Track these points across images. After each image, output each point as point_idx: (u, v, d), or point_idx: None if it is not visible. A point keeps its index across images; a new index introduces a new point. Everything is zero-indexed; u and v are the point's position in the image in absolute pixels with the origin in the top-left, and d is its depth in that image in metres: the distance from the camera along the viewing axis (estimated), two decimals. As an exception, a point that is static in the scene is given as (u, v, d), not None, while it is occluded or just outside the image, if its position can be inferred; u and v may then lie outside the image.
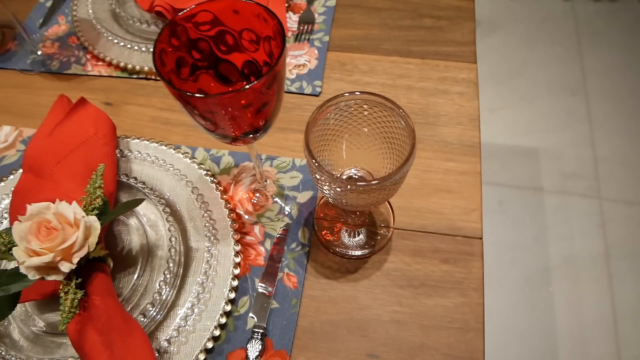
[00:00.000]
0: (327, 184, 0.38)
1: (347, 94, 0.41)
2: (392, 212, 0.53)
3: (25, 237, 0.40)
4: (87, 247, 0.41)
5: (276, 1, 0.66)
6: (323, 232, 0.53)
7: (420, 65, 0.65)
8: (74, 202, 0.43)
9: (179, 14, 0.37)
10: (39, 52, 0.68)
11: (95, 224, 0.42)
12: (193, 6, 0.37)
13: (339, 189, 0.38)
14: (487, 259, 1.27)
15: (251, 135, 0.42)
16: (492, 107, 1.58)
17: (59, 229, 0.40)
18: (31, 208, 0.42)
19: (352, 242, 0.52)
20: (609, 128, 1.53)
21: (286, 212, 0.54)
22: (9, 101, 0.65)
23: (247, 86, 0.33)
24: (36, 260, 0.39)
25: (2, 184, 0.55)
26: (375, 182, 0.37)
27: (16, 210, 0.49)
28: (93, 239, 0.42)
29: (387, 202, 0.54)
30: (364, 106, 0.42)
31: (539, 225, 1.34)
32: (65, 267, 0.40)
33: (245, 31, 0.40)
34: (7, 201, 0.53)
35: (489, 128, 1.54)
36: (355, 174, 0.47)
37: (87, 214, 0.44)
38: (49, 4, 0.74)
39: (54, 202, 0.47)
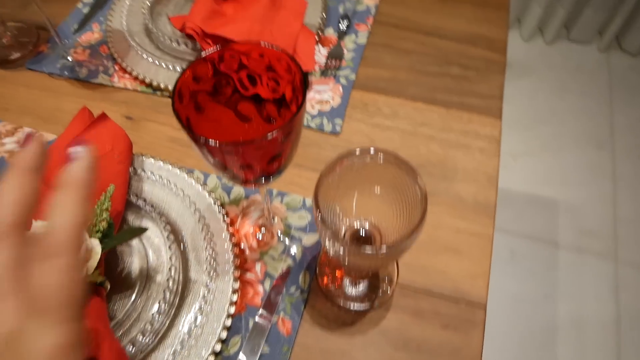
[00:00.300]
0: (331, 241, 0.37)
1: (362, 150, 0.40)
2: (397, 268, 0.52)
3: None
4: (84, 271, 0.41)
5: (306, 35, 0.66)
6: (324, 279, 0.52)
7: (443, 115, 0.64)
8: (78, 223, 0.42)
9: (204, 53, 0.37)
10: (70, 58, 0.69)
11: (97, 248, 0.42)
12: (218, 47, 0.37)
13: (341, 250, 0.37)
14: (491, 308, 1.24)
15: (263, 180, 0.41)
16: (515, 152, 1.56)
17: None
18: (36, 224, 0.42)
19: (353, 293, 0.51)
20: (634, 187, 1.50)
21: (291, 253, 0.53)
22: (34, 103, 0.65)
23: (263, 137, 0.33)
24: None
25: (14, 187, 0.55)
26: (381, 250, 0.36)
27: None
28: (92, 263, 0.42)
29: (393, 255, 0.53)
30: (379, 163, 0.41)
31: (550, 281, 1.31)
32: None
33: (270, 73, 0.39)
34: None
35: (509, 173, 1.51)
36: (363, 229, 0.46)
37: (90, 236, 0.44)
38: (86, 10, 0.75)
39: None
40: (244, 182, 0.41)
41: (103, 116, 0.55)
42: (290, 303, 0.50)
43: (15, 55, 0.70)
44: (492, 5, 0.76)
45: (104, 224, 0.44)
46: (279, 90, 0.40)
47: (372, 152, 0.40)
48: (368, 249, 0.35)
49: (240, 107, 0.42)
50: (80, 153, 0.21)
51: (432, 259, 0.53)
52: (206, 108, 0.39)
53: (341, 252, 0.37)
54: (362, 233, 0.46)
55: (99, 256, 0.42)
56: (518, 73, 1.77)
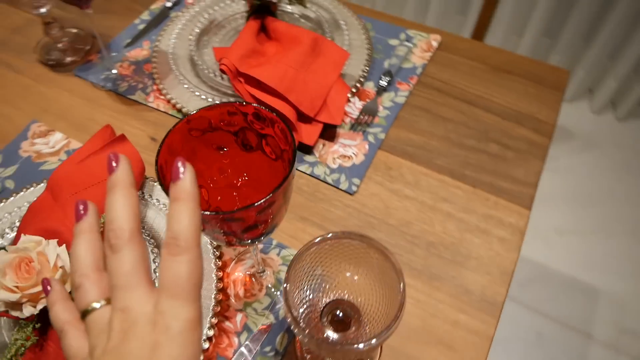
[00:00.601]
0: (302, 334, 0.35)
1: (344, 234, 0.38)
2: (380, 352, 0.49)
3: (3, 270, 0.40)
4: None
5: (340, 88, 0.64)
6: (300, 346, 0.49)
7: (468, 194, 0.60)
8: (63, 245, 0.43)
9: (193, 113, 0.36)
10: (114, 71, 0.71)
11: (73, 275, 0.42)
12: (197, 111, 0.36)
13: (312, 344, 0.35)
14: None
15: (249, 242, 0.40)
16: (562, 229, 1.47)
17: (36, 271, 0.40)
18: (24, 239, 0.43)
19: (327, 368, 0.48)
20: (688, 292, 1.36)
21: (276, 309, 0.51)
22: (71, 110, 0.68)
23: (238, 210, 0.31)
24: (2, 295, 0.39)
25: (31, 189, 0.57)
26: (355, 346, 0.33)
27: (24, 225, 0.50)
28: (67, 287, 0.42)
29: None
30: (361, 249, 0.39)
31: (573, 378, 1.20)
32: (27, 310, 0.40)
33: (269, 139, 0.38)
34: (24, 209, 0.55)
35: (551, 249, 1.42)
36: (340, 311, 0.43)
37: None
38: (141, 26, 0.78)
39: (56, 232, 0.48)
40: (228, 244, 0.40)
41: (122, 137, 0.55)
42: (261, 365, 0.48)
43: (69, 59, 0.73)
44: (548, 84, 0.72)
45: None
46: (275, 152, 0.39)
47: (355, 239, 0.37)
48: (339, 346, 0.33)
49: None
50: (187, 169, 0.26)
51: (421, 350, 0.49)
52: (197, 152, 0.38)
53: (313, 347, 0.35)
54: (340, 313, 0.43)
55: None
56: (581, 146, 1.67)
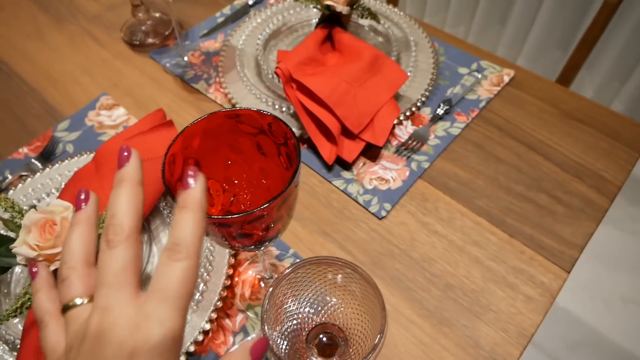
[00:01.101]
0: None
1: (331, 260, 0.37)
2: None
3: (29, 227, 0.43)
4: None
5: (391, 109, 0.63)
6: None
7: (503, 243, 0.57)
8: (88, 215, 0.46)
9: (195, 120, 0.37)
10: (185, 58, 0.75)
11: (90, 245, 0.45)
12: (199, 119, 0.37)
13: None
14: None
15: (252, 248, 0.40)
16: (628, 297, 1.33)
17: (56, 234, 0.43)
18: (54, 202, 0.46)
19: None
20: None
21: (275, 317, 0.51)
22: (138, 88, 0.72)
23: (233, 216, 0.32)
24: (23, 250, 0.43)
25: (84, 156, 0.62)
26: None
27: (65, 189, 0.54)
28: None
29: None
30: (344, 275, 0.38)
31: None
32: (41, 267, 0.43)
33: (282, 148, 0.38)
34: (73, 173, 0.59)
35: (610, 317, 1.30)
36: (324, 336, 0.42)
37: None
38: (220, 19, 0.81)
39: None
40: (232, 248, 0.40)
41: (169, 123, 0.58)
42: (248, 369, 0.48)
43: (149, 41, 0.78)
44: (625, 141, 0.66)
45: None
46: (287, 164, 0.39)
47: (343, 266, 0.36)
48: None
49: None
50: (198, 178, 0.26)
51: (412, 394, 0.47)
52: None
53: None
54: (324, 338, 0.42)
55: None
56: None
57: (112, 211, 0.26)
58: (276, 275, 0.54)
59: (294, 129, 0.41)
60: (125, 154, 0.27)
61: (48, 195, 0.58)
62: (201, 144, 0.38)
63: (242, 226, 0.33)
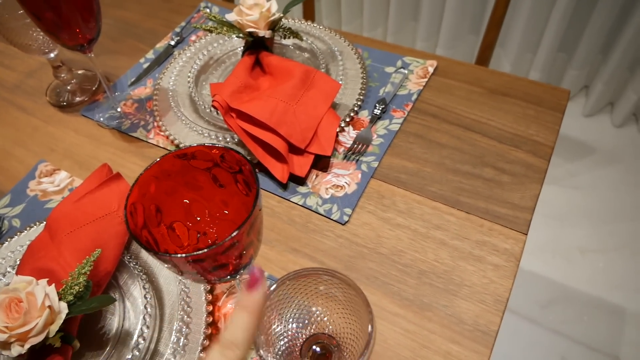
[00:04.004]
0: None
1: (306, 271, 0.38)
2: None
3: (-6, 311, 0.42)
4: (45, 334, 0.42)
5: (331, 119, 0.65)
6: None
7: (462, 220, 0.60)
8: (52, 285, 0.44)
9: (148, 166, 0.37)
10: (118, 109, 0.74)
11: (62, 314, 0.43)
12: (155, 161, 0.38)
13: None
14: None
15: (228, 279, 0.40)
16: (585, 247, 1.42)
17: (24, 311, 0.42)
18: (16, 279, 0.45)
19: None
20: None
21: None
22: (76, 148, 0.71)
23: (200, 251, 0.32)
24: (-8, 336, 0.41)
25: (34, 228, 0.60)
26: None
27: (22, 264, 0.52)
28: (54, 327, 0.43)
29: None
30: (325, 284, 0.39)
31: (598, 406, 1.15)
32: (15, 350, 0.41)
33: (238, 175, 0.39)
34: (26, 247, 0.57)
35: (574, 269, 1.38)
36: (317, 346, 0.43)
37: (64, 297, 0.46)
38: (146, 65, 0.81)
39: (50, 271, 0.50)
40: (209, 283, 0.40)
41: (117, 176, 0.58)
42: (249, 399, 0.48)
43: (78, 99, 0.77)
44: (548, 105, 0.71)
45: (78, 288, 0.45)
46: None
47: (324, 274, 0.38)
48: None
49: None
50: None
51: (410, 383, 0.48)
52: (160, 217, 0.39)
53: None
54: (318, 349, 0.43)
55: (62, 319, 0.43)
56: (603, 161, 1.63)
57: (230, 331, 0.30)
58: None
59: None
60: (258, 277, 0.31)
61: (4, 275, 0.55)
62: (157, 189, 0.38)
63: (216, 258, 0.34)
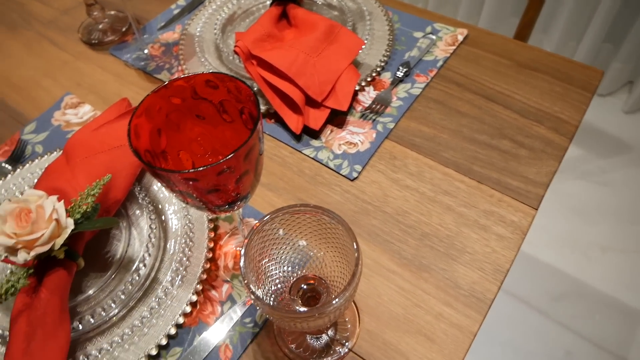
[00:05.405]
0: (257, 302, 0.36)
1: (299, 207, 0.39)
2: (357, 332, 0.49)
3: (4, 217, 0.44)
4: (50, 245, 0.44)
5: (351, 75, 0.64)
6: (279, 321, 0.50)
7: (472, 188, 0.59)
8: (62, 201, 0.46)
9: (155, 89, 0.38)
10: (145, 51, 0.75)
11: (67, 229, 0.45)
12: (168, 81, 0.38)
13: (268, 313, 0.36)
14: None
15: (226, 207, 0.41)
16: (606, 245, 1.38)
17: (32, 221, 0.44)
18: (28, 192, 0.47)
19: (305, 345, 0.49)
20: None
21: (260, 284, 0.53)
22: (102, 85, 0.73)
23: (201, 168, 0.33)
24: (1, 240, 0.43)
25: (54, 154, 0.62)
26: (296, 309, 0.34)
27: (39, 183, 0.55)
28: (60, 240, 0.45)
29: (356, 316, 0.50)
30: (316, 221, 0.39)
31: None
32: (22, 256, 0.43)
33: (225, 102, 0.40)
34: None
35: (592, 266, 1.34)
36: (305, 285, 0.44)
37: (72, 215, 0.47)
38: (176, 11, 0.82)
39: (62, 191, 0.51)
40: (208, 210, 0.41)
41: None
42: (239, 333, 0.49)
43: (108, 39, 0.79)
44: (578, 84, 0.69)
45: (86, 207, 0.47)
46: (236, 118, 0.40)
47: (309, 208, 0.38)
48: (283, 311, 0.34)
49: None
50: None
51: (399, 338, 0.49)
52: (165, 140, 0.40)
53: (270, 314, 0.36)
54: (305, 287, 0.44)
55: (67, 234, 0.45)
56: (638, 160, 1.57)
57: None
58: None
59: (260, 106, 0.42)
60: None
61: (22, 194, 0.58)
62: (166, 114, 0.39)
63: (212, 180, 0.35)
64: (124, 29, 0.79)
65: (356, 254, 0.35)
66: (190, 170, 0.33)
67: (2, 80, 0.76)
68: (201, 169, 0.32)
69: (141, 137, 0.37)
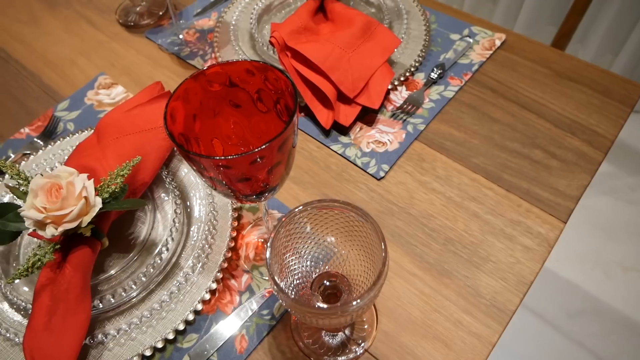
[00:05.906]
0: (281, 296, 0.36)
1: (328, 202, 0.38)
2: (374, 333, 0.49)
3: (35, 191, 0.44)
4: (77, 222, 0.45)
5: (384, 73, 0.64)
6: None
7: (500, 197, 0.58)
8: (92, 180, 0.47)
9: (194, 74, 0.38)
10: (180, 36, 0.76)
11: (95, 207, 0.46)
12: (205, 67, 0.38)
13: (293, 307, 0.35)
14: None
15: (254, 197, 0.41)
16: (628, 265, 1.35)
17: (62, 197, 0.44)
18: (59, 168, 0.47)
19: (321, 341, 0.49)
20: None
21: (280, 276, 0.52)
22: (136, 67, 0.73)
23: (235, 155, 0.33)
24: (31, 213, 0.44)
25: (85, 132, 0.63)
26: (318, 305, 0.34)
27: (69, 160, 0.55)
28: (87, 218, 0.46)
29: (374, 317, 0.50)
30: (344, 218, 0.39)
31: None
32: (50, 231, 0.44)
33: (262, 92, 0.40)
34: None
35: (611, 284, 1.31)
36: (328, 281, 0.43)
37: (100, 194, 0.48)
38: (213, -2, 0.82)
39: (92, 169, 0.52)
40: (235, 198, 0.41)
41: (168, 94, 0.59)
42: (256, 324, 0.49)
43: (144, 22, 0.79)
44: (616, 97, 0.67)
45: (114, 187, 0.48)
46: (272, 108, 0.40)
47: (340, 205, 0.38)
48: (316, 307, 0.34)
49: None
50: None
51: (416, 342, 0.48)
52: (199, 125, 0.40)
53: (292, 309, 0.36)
54: (328, 283, 0.43)
55: (95, 212, 0.45)
56: (668, 180, 1.52)
57: None
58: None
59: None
60: None
61: (52, 169, 0.59)
62: (201, 101, 0.39)
63: (244, 169, 0.34)
64: (160, 13, 0.80)
65: (383, 254, 0.35)
66: (224, 157, 0.33)
67: (39, 57, 0.77)
68: (235, 156, 0.32)
69: (177, 120, 0.37)
